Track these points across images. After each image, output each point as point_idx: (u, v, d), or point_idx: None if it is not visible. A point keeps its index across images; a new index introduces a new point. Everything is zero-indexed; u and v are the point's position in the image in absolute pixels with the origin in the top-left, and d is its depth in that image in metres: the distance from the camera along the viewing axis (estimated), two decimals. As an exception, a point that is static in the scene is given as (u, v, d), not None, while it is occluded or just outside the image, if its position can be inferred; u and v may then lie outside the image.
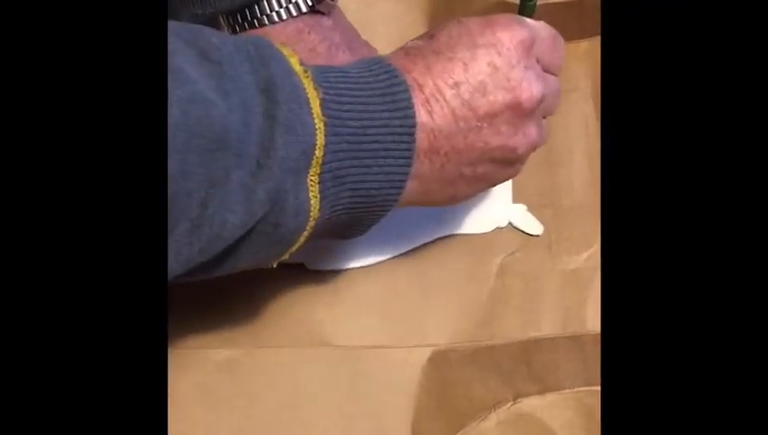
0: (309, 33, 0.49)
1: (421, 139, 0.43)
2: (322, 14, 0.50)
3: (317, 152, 0.40)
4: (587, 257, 0.55)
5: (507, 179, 0.48)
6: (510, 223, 0.55)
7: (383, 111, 0.42)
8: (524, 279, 0.54)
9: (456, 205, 0.53)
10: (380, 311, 0.53)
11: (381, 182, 0.43)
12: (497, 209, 0.55)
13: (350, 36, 0.52)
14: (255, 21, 0.49)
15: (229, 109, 0.37)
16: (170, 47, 0.36)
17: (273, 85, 0.39)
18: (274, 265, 0.44)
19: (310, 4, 0.49)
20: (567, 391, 0.53)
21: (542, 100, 0.45)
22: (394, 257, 0.54)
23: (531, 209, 0.56)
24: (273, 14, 0.48)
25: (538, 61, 0.46)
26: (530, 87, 0.44)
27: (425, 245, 0.54)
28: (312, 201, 0.41)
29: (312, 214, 0.41)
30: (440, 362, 0.52)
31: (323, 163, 0.40)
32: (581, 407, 0.53)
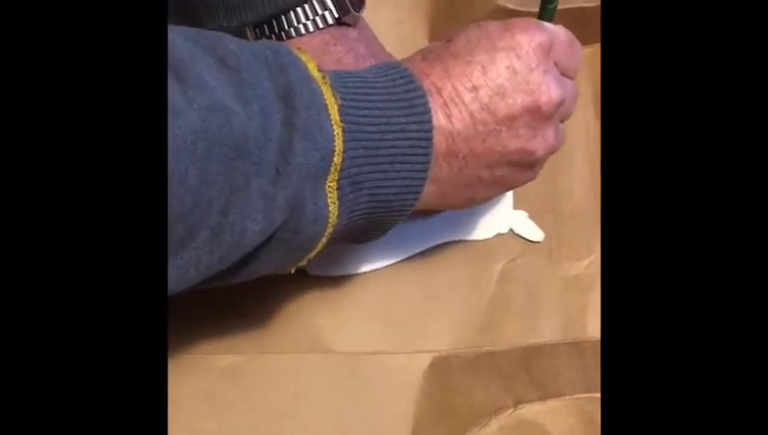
0: (335, 44, 0.49)
1: (439, 142, 0.43)
2: (348, 25, 0.50)
3: (335, 158, 0.40)
4: (587, 264, 0.55)
5: (525, 183, 0.48)
6: (511, 229, 0.55)
7: (400, 115, 0.42)
8: (525, 285, 0.54)
9: (459, 211, 0.53)
10: (381, 317, 0.53)
11: (399, 187, 0.43)
12: (498, 216, 0.55)
13: (375, 47, 0.52)
14: (283, 33, 0.48)
15: (248, 116, 0.37)
16: (190, 54, 0.36)
17: (291, 92, 0.39)
18: (292, 271, 0.44)
19: (336, 16, 0.49)
20: (568, 397, 0.53)
21: (560, 103, 0.45)
22: (395, 263, 0.54)
23: (531, 216, 0.56)
24: (301, 26, 0.48)
25: (556, 64, 0.46)
26: (549, 90, 0.44)
27: (426, 251, 0.54)
28: (330, 207, 0.41)
29: (330, 220, 0.41)
30: (441, 368, 0.52)
31: (342, 169, 0.40)
32: (582, 413, 0.53)
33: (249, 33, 0.49)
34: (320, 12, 0.48)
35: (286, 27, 0.48)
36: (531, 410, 0.53)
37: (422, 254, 0.54)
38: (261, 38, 0.49)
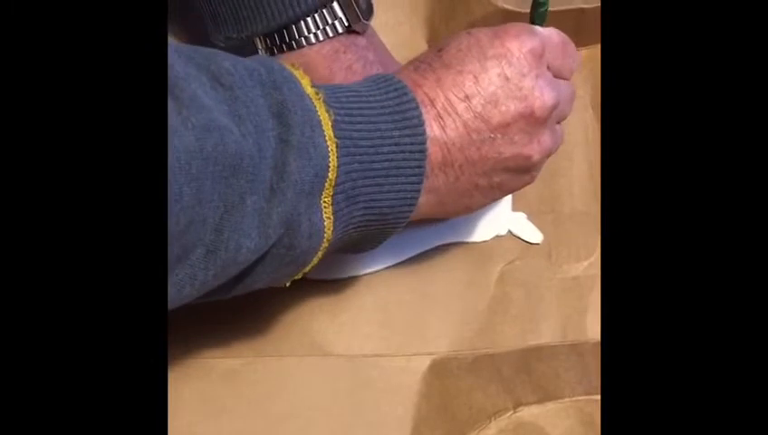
0: (345, 52, 0.49)
1: (434, 152, 0.43)
2: (357, 33, 0.50)
3: (330, 174, 0.40)
4: (587, 265, 0.55)
5: (523, 187, 0.48)
6: (510, 231, 0.55)
7: (393, 129, 0.42)
8: (524, 287, 0.54)
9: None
10: (380, 319, 0.53)
11: (393, 200, 0.43)
12: (497, 218, 0.55)
13: (383, 54, 0.52)
14: (294, 43, 0.48)
15: (243, 134, 0.37)
16: (184, 72, 0.36)
17: (285, 109, 0.39)
18: (287, 285, 0.44)
19: (346, 24, 0.49)
20: (567, 399, 0.53)
21: (554, 107, 0.45)
22: (394, 266, 0.54)
23: (531, 217, 0.56)
24: (311, 35, 0.48)
25: (549, 68, 0.46)
26: (542, 95, 0.44)
27: (425, 253, 0.54)
28: (325, 222, 0.41)
29: (325, 235, 0.41)
30: (440, 370, 0.52)
31: (336, 184, 0.40)
32: (582, 415, 0.53)
33: (259, 44, 0.49)
34: (329, 21, 0.48)
35: (297, 37, 0.48)
36: (530, 413, 0.53)
37: (420, 256, 0.54)
38: (272, 48, 0.49)
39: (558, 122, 0.48)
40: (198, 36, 0.52)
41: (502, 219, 0.55)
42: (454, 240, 0.55)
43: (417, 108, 0.43)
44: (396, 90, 0.43)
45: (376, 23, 0.51)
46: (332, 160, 0.40)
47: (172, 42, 0.39)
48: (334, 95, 0.42)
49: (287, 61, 0.43)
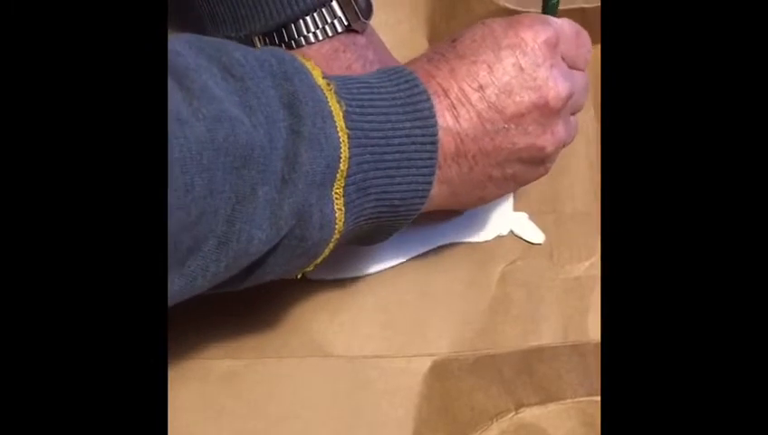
0: (344, 51, 0.49)
1: (448, 143, 0.43)
2: (356, 32, 0.49)
3: (341, 165, 0.40)
4: (589, 266, 0.55)
5: (537, 178, 0.48)
6: (511, 231, 0.55)
7: (405, 120, 0.42)
8: (526, 288, 0.54)
9: (460, 213, 0.53)
10: (381, 320, 0.53)
11: (404, 192, 0.43)
12: (499, 217, 0.55)
13: (383, 53, 0.52)
14: (293, 42, 0.48)
15: (254, 125, 0.37)
16: (195, 63, 0.36)
17: (296, 100, 0.39)
18: (299, 277, 0.44)
19: (345, 23, 0.48)
20: (569, 400, 0.53)
21: (569, 97, 0.45)
22: (395, 266, 0.54)
23: (532, 217, 0.56)
24: (310, 35, 0.48)
25: (563, 58, 0.46)
26: (556, 86, 0.44)
27: (426, 253, 0.54)
28: (336, 214, 0.41)
29: (337, 226, 0.41)
30: (441, 371, 0.52)
31: (348, 175, 0.40)
32: (584, 417, 0.53)
33: (258, 43, 0.49)
34: (329, 20, 0.48)
35: (296, 36, 0.48)
36: (532, 414, 0.53)
37: (421, 256, 0.54)
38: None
39: (572, 113, 0.48)
40: (198, 36, 0.52)
41: (503, 219, 0.55)
42: (455, 240, 0.54)
43: (428, 99, 0.43)
44: (407, 81, 0.43)
45: (375, 21, 0.51)
46: (344, 151, 0.40)
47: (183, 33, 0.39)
48: (345, 86, 0.41)
49: None
